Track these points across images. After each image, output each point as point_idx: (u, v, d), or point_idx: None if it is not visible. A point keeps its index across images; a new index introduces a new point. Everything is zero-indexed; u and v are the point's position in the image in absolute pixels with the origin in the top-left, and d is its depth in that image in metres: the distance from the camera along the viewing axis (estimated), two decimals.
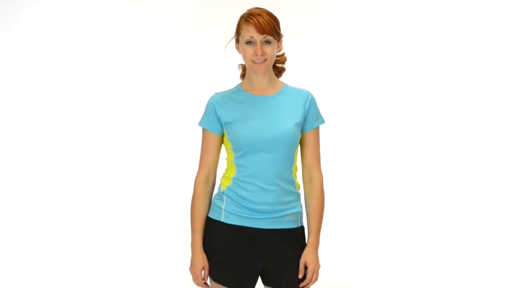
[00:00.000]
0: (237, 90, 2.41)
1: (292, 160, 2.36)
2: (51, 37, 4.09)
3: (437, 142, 3.82)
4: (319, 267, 2.34)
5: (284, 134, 2.30)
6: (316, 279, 2.35)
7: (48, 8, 4.10)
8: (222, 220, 2.33)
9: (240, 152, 2.32)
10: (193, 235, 2.35)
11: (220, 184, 2.40)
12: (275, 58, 2.36)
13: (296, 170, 2.39)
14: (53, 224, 4.05)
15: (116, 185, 4.17)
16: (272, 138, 2.29)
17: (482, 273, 3.62)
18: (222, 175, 2.41)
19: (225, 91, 2.43)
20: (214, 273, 2.33)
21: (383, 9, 4.04)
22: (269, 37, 2.28)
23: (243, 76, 2.46)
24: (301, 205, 2.40)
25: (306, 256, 2.34)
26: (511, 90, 3.61)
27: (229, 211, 2.33)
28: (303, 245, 2.37)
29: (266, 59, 2.29)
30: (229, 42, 2.45)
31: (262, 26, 2.26)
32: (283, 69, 2.46)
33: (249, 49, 2.30)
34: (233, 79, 4.36)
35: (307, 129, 2.38)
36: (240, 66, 2.49)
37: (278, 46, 2.35)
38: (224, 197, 2.35)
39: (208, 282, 2.37)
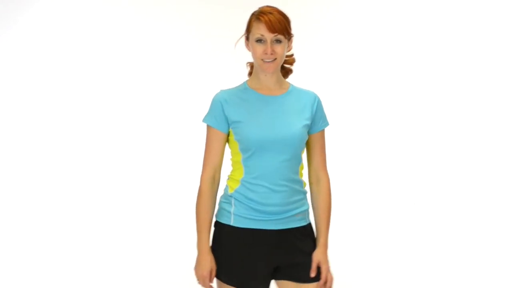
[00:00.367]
0: (244, 88, 2.36)
1: (300, 161, 2.35)
2: (51, 37, 4.09)
3: (437, 142, 3.82)
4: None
5: (293, 135, 2.28)
6: (332, 278, 2.35)
7: (48, 8, 4.10)
8: (231, 224, 2.29)
9: (248, 152, 2.27)
10: (199, 236, 2.30)
11: (227, 187, 2.35)
12: (284, 58, 2.33)
13: (302, 169, 2.38)
14: (54, 224, 4.05)
15: (116, 184, 4.17)
16: (281, 139, 2.26)
17: (482, 273, 3.62)
18: (227, 177, 2.37)
19: (231, 89, 2.38)
20: (226, 276, 2.29)
21: (383, 9, 4.04)
22: (280, 36, 2.25)
23: (250, 74, 2.42)
24: (308, 203, 2.40)
25: (318, 256, 2.34)
26: (511, 90, 3.61)
27: (239, 214, 2.29)
28: (314, 239, 2.38)
29: (275, 59, 2.26)
30: (239, 40, 2.40)
31: (273, 24, 2.23)
32: (290, 70, 2.44)
33: (259, 48, 2.26)
34: (233, 79, 4.36)
35: (314, 131, 2.37)
36: (248, 64, 2.45)
37: (288, 46, 2.32)
38: (233, 201, 2.31)
39: (214, 284, 2.33)
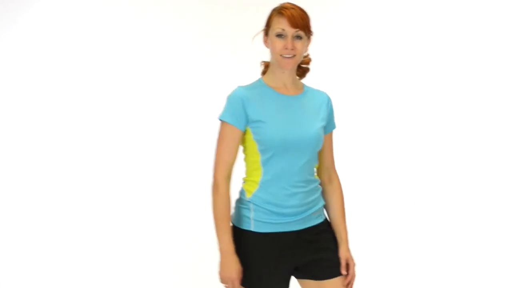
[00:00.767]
0: (262, 86, 2.30)
1: (316, 161, 2.35)
2: (51, 37, 4.09)
3: (437, 142, 3.82)
4: None
5: (313, 136, 2.26)
6: (355, 275, 2.37)
7: (48, 8, 4.10)
8: (252, 229, 2.24)
9: (268, 153, 2.22)
10: (222, 237, 2.21)
11: (244, 191, 2.30)
12: (303, 57, 2.29)
13: (317, 168, 2.39)
14: (54, 225, 4.05)
15: (115, 184, 4.17)
16: (303, 141, 2.23)
17: (482, 273, 3.62)
18: (243, 181, 2.31)
19: (249, 86, 2.30)
20: (251, 283, 2.23)
21: (383, 9, 4.04)
22: (301, 32, 2.21)
23: (264, 73, 2.38)
24: (322, 199, 2.40)
25: (345, 254, 2.35)
26: (511, 90, 3.61)
27: (258, 219, 2.24)
28: (331, 233, 2.38)
29: (295, 55, 2.22)
30: (257, 34, 2.35)
31: (296, 19, 2.19)
32: (307, 69, 2.40)
33: (279, 43, 2.21)
34: (233, 79, 4.37)
35: (326, 132, 2.37)
36: (262, 63, 2.40)
37: (307, 45, 2.29)
38: (251, 206, 2.25)
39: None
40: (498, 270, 3.59)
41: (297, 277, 2.37)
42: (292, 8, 2.22)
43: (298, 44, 2.22)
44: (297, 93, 2.32)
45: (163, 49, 4.30)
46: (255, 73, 4.24)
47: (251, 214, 2.24)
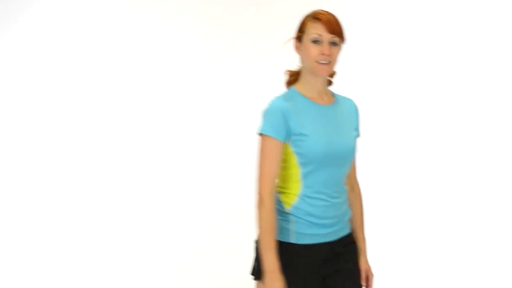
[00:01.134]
0: (297, 96, 2.23)
1: (349, 172, 2.33)
2: (51, 37, 4.09)
3: (437, 142, 3.82)
4: None
5: (351, 147, 2.24)
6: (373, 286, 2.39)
7: (48, 8, 4.10)
8: (292, 241, 2.19)
9: (310, 167, 2.16)
10: (269, 254, 2.13)
11: (283, 203, 2.22)
12: (336, 64, 2.24)
13: None
14: (54, 224, 4.05)
15: (114, 184, 4.17)
16: (343, 152, 2.20)
17: (482, 273, 3.62)
18: (280, 192, 2.24)
19: (285, 97, 2.22)
20: None
21: (384, 9, 4.04)
22: (336, 38, 2.17)
23: (289, 83, 2.32)
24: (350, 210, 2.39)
25: (365, 266, 2.36)
26: (511, 90, 3.61)
27: (299, 231, 2.19)
28: (355, 244, 2.37)
29: (330, 61, 2.16)
30: (288, 41, 2.29)
31: (333, 25, 2.15)
32: (331, 83, 2.36)
33: (315, 48, 2.16)
34: (233, 79, 4.37)
35: None
36: (287, 72, 2.34)
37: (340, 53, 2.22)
38: (291, 218, 2.20)
39: None
40: (498, 270, 3.59)
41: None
42: (328, 14, 2.18)
43: (334, 50, 2.17)
44: (330, 102, 2.27)
45: (163, 49, 4.30)
46: (255, 73, 4.24)
47: (292, 226, 2.19)
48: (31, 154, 4.06)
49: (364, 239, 2.39)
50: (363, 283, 2.34)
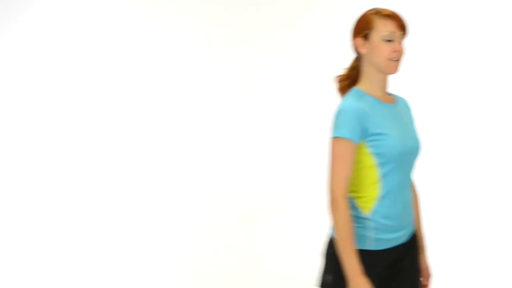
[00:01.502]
0: (365, 96, 2.17)
1: None
2: (51, 37, 4.09)
3: (437, 142, 3.82)
4: None
5: (420, 144, 2.22)
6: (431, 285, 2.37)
7: (48, 8, 4.10)
8: (370, 248, 2.13)
9: (388, 166, 2.12)
10: (351, 258, 2.06)
11: (359, 208, 2.15)
12: None
13: None
14: (54, 225, 4.05)
15: (114, 184, 4.17)
16: (414, 150, 2.18)
17: (481, 273, 3.62)
18: (354, 197, 2.17)
19: (356, 97, 2.16)
20: None
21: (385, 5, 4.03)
22: (404, 35, 2.15)
23: (343, 88, 2.26)
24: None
25: (425, 264, 2.33)
26: (511, 91, 3.61)
27: (378, 237, 2.13)
28: (416, 245, 2.34)
29: (399, 58, 2.14)
30: (359, 40, 2.19)
31: (402, 21, 2.13)
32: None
33: (388, 46, 2.12)
34: (233, 79, 4.37)
35: None
36: (338, 78, 2.27)
37: None
38: (371, 224, 2.14)
39: None
40: (497, 270, 3.59)
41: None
42: (392, 11, 2.16)
43: (402, 47, 2.16)
44: (392, 100, 2.25)
45: (163, 49, 4.30)
46: (256, 73, 4.24)
47: (372, 233, 2.13)
48: (30, 153, 4.06)
49: (422, 236, 2.35)
50: (426, 281, 2.31)
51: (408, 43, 3.91)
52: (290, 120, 4.08)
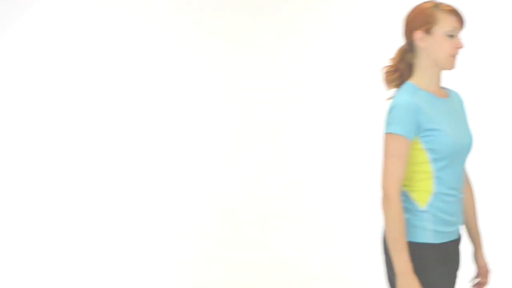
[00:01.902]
0: (419, 91, 2.14)
1: None
2: (51, 37, 4.09)
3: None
4: None
5: (472, 139, 2.18)
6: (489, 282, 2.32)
7: (48, 8, 4.10)
8: (431, 241, 2.10)
9: (442, 162, 2.09)
10: (402, 255, 2.03)
11: (414, 201, 2.13)
12: None
13: None
14: (54, 225, 4.05)
15: (114, 185, 4.17)
16: (468, 145, 2.15)
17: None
18: (408, 190, 2.15)
19: (409, 92, 2.13)
20: None
21: (386, 11, 4.04)
22: (461, 31, 2.13)
23: (390, 81, 2.21)
24: None
25: (483, 261, 2.29)
26: (511, 91, 3.61)
27: (436, 229, 2.11)
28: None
29: (458, 54, 2.13)
30: (420, 33, 2.13)
31: (463, 17, 2.11)
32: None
33: (450, 42, 2.09)
34: (233, 78, 4.37)
35: None
36: (386, 69, 2.23)
37: None
38: (427, 216, 2.11)
39: None
40: (497, 270, 3.59)
41: None
42: (452, 6, 2.13)
43: None
44: (446, 94, 2.21)
45: (162, 49, 4.30)
46: (257, 73, 4.24)
47: (430, 225, 2.11)
48: (30, 153, 4.05)
49: (479, 232, 2.30)
50: (481, 279, 2.27)
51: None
52: (292, 120, 4.08)
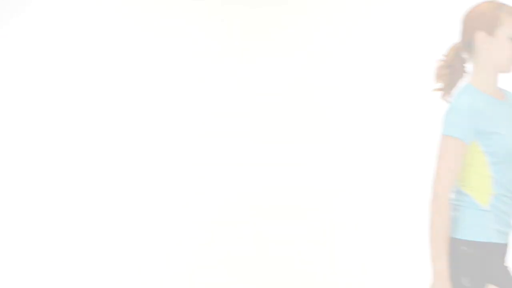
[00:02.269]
0: (478, 93, 2.11)
1: None
2: (51, 37, 4.08)
3: (436, 142, 3.81)
4: None
5: None
6: None
7: (48, 8, 4.10)
8: (495, 241, 2.08)
9: (500, 165, 2.07)
10: (443, 259, 2.01)
11: (475, 201, 2.09)
12: None
13: None
14: (54, 226, 4.05)
15: (114, 185, 4.17)
16: None
17: None
18: (469, 190, 2.11)
19: (468, 94, 2.09)
20: None
21: (387, 12, 4.04)
22: None
23: (441, 77, 2.17)
24: None
25: None
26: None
27: (500, 230, 2.09)
28: None
29: None
30: (482, 34, 2.09)
31: None
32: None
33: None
34: (233, 78, 4.37)
35: None
36: (438, 64, 2.19)
37: None
38: (490, 215, 2.08)
39: None
40: None
41: None
42: None
43: None
44: (503, 96, 2.17)
45: (162, 49, 4.30)
46: (260, 73, 4.23)
47: (494, 225, 2.08)
48: (30, 153, 4.05)
49: None
50: None
51: None
52: (295, 121, 4.08)
